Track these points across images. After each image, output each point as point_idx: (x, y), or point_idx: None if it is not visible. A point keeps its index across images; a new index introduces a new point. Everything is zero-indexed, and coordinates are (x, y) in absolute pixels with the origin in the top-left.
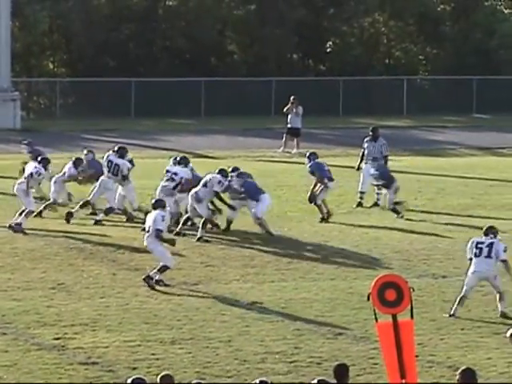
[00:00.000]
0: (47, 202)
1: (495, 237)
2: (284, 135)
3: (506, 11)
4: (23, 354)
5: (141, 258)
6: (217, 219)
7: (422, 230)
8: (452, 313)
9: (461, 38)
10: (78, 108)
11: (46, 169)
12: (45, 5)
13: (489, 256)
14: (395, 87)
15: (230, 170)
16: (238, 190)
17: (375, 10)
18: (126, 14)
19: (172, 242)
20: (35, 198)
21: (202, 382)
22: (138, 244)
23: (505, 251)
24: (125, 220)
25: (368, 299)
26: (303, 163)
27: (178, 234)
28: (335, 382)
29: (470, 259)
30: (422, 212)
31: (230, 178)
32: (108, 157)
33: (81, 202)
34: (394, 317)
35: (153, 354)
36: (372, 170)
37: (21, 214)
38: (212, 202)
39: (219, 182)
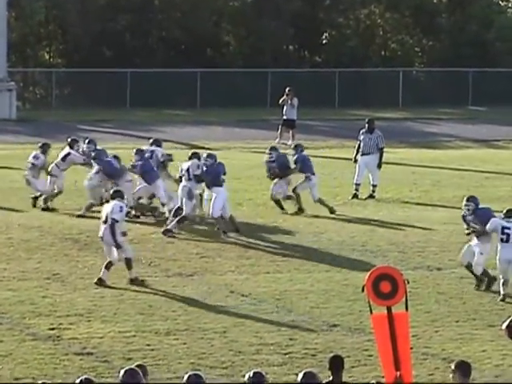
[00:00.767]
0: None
1: None
2: (279, 126)
3: (502, 3)
4: (18, 344)
5: (136, 249)
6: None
7: (417, 223)
8: (503, 293)
9: (457, 30)
10: (73, 98)
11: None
12: None
13: None
14: (391, 79)
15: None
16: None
17: (371, 1)
18: (123, 4)
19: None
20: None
21: (198, 372)
22: (133, 236)
23: None
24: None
25: (363, 291)
26: None
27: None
28: (329, 373)
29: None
30: (418, 204)
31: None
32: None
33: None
34: (389, 309)
35: (148, 345)
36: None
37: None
38: None
39: (197, 165)
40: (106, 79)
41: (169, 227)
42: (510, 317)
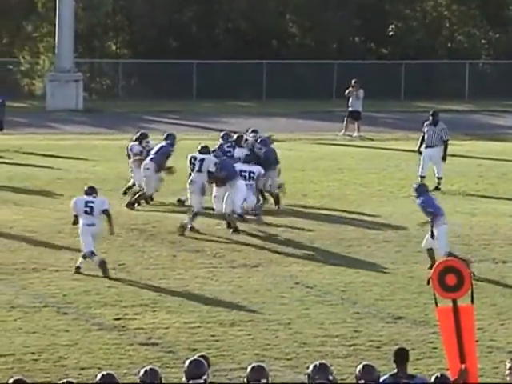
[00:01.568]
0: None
1: None
2: (345, 118)
3: None
4: (84, 333)
5: (200, 240)
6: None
7: (482, 215)
8: None
9: None
10: (140, 89)
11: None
12: None
13: None
14: (457, 71)
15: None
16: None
17: None
18: None
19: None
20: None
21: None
22: (198, 226)
23: None
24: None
25: (428, 283)
26: (364, 146)
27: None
28: (394, 366)
29: None
30: (483, 197)
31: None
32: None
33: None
34: (455, 301)
35: (212, 336)
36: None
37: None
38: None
39: (215, 163)
40: (172, 70)
41: (185, 222)
42: None
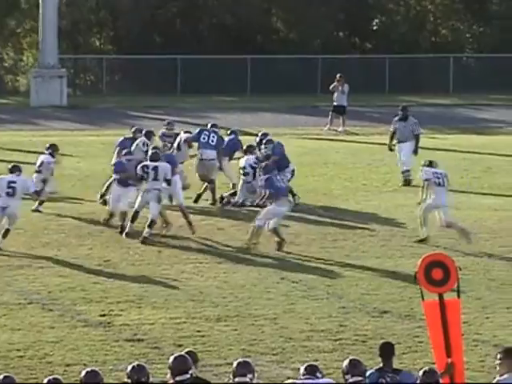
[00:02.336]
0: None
1: None
2: (330, 113)
3: None
4: (69, 330)
5: (186, 236)
6: None
7: (467, 209)
8: None
9: (508, 16)
10: (124, 85)
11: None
12: None
13: None
14: (441, 65)
15: None
16: None
17: None
18: None
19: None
20: None
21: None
22: (183, 222)
23: None
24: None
25: (415, 278)
26: (349, 141)
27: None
28: (379, 360)
29: None
30: (468, 192)
31: None
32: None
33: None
34: (441, 295)
35: (198, 331)
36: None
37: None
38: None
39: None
40: (157, 66)
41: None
42: None
